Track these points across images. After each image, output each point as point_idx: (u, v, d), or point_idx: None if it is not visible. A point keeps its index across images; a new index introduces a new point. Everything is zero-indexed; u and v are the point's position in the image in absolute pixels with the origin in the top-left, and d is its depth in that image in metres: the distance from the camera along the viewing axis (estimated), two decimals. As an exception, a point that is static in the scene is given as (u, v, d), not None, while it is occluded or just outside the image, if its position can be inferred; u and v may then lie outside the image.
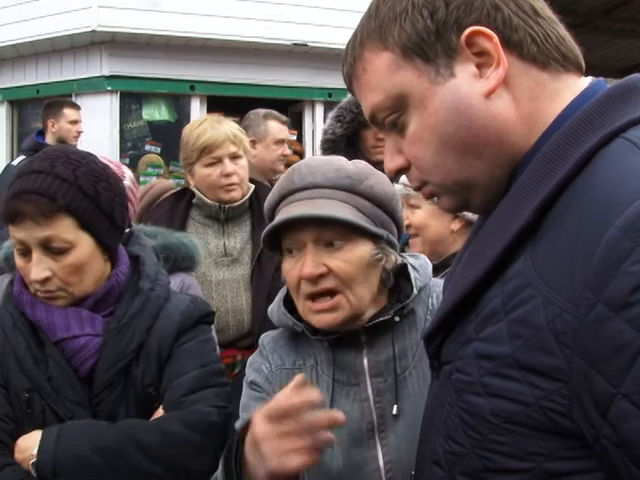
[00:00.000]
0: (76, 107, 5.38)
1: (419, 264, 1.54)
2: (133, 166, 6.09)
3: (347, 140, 3.19)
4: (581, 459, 0.80)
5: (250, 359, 1.58)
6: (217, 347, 1.80)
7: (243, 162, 2.75)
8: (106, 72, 6.36)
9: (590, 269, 0.75)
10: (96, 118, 6.15)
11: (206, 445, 1.57)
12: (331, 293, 1.40)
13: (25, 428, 1.55)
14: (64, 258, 1.57)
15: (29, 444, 1.52)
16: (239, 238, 2.75)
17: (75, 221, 1.56)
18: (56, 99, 5.57)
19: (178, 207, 2.81)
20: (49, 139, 5.20)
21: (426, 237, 2.18)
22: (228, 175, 2.69)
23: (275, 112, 4.10)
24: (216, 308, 2.64)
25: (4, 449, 1.53)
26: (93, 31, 6.10)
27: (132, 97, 6.53)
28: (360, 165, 1.47)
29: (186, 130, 2.85)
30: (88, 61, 6.47)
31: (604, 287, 0.74)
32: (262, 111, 4.04)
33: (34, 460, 1.50)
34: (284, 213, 1.41)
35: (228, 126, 2.74)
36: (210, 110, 6.55)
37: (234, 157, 2.72)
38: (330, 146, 3.17)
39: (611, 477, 0.78)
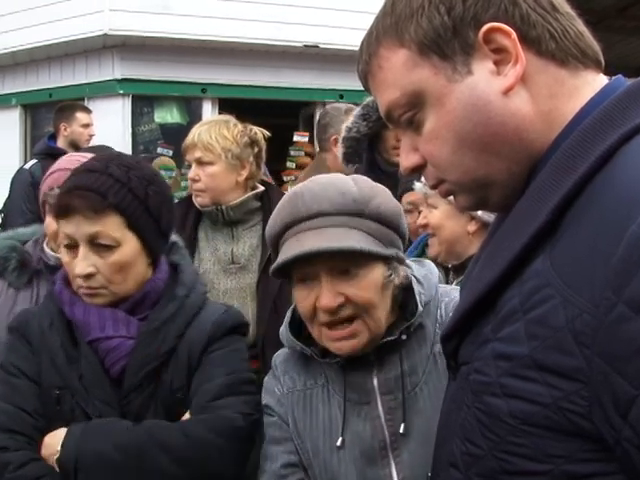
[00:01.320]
0: (87, 111, 5.39)
1: (423, 274, 1.51)
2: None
3: (370, 139, 3.15)
4: (601, 461, 0.79)
5: (265, 380, 1.60)
6: (247, 358, 1.80)
7: (212, 169, 2.65)
8: (118, 75, 6.38)
9: (611, 268, 0.74)
10: (108, 121, 6.17)
11: (230, 450, 1.57)
12: (349, 319, 1.39)
13: (54, 425, 1.58)
14: (109, 255, 1.61)
15: (54, 441, 1.54)
16: (248, 244, 2.68)
17: (124, 220, 1.61)
18: (68, 103, 5.59)
19: (190, 212, 2.77)
20: (61, 143, 5.22)
21: (442, 237, 2.18)
22: (192, 180, 2.67)
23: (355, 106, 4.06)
24: None
25: (32, 444, 1.56)
26: (105, 35, 6.12)
27: (144, 100, 6.55)
28: (363, 185, 1.44)
29: None
30: (100, 65, 6.49)
31: (625, 287, 0.73)
32: (343, 106, 3.85)
33: (57, 456, 1.51)
34: (293, 245, 1.38)
35: (204, 130, 2.67)
36: (222, 112, 6.55)
37: (201, 163, 2.65)
38: (353, 144, 3.13)
39: (631, 480, 0.77)
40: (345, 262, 1.37)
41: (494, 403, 0.85)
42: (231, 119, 2.81)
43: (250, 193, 2.71)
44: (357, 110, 3.22)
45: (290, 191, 1.47)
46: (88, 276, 1.60)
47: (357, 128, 3.13)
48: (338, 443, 1.42)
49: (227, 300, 2.63)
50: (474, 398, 0.89)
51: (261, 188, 2.76)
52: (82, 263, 1.60)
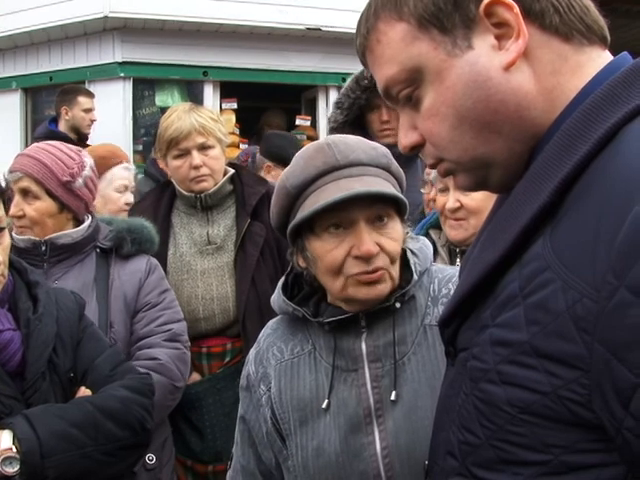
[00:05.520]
0: (90, 95, 5.35)
1: (418, 247, 1.53)
2: (147, 152, 6.07)
3: (352, 126, 3.03)
4: (601, 452, 0.77)
5: (249, 354, 1.59)
6: None
7: (214, 152, 2.69)
8: (119, 58, 6.32)
9: (613, 251, 0.71)
10: (109, 104, 6.13)
11: (151, 406, 1.73)
12: (377, 271, 1.41)
13: None
14: (5, 239, 1.65)
15: None
16: (223, 225, 2.74)
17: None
18: (71, 86, 5.55)
19: (162, 199, 2.81)
20: (62, 126, 5.18)
21: (480, 221, 2.08)
22: (196, 167, 2.65)
23: None
24: (201, 296, 2.66)
25: None
26: (105, 17, 6.06)
27: (145, 83, 6.50)
28: (382, 147, 1.51)
29: (161, 120, 2.81)
30: (101, 48, 6.44)
31: (627, 270, 0.70)
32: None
33: (10, 454, 1.47)
34: (333, 190, 1.36)
35: (197, 116, 2.67)
36: (224, 96, 6.51)
37: (202, 148, 2.67)
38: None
39: (632, 470, 0.75)
40: (381, 210, 1.40)
41: (492, 391, 0.83)
42: (192, 104, 2.83)
43: (224, 178, 2.75)
44: (335, 98, 3.15)
45: (315, 143, 1.47)
46: None
47: (334, 118, 3.05)
48: (324, 405, 1.42)
49: (205, 280, 2.69)
50: (472, 385, 0.87)
51: (231, 170, 2.80)
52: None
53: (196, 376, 2.63)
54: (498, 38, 0.87)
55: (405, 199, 1.44)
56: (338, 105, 3.06)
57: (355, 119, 3.06)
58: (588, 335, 0.73)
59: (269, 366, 1.51)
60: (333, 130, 3.04)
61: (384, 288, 1.41)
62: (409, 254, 1.49)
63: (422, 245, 1.54)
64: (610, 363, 0.72)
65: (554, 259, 0.78)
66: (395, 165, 1.47)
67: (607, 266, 0.72)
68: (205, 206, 2.73)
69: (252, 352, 1.57)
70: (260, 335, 1.59)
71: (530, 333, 0.78)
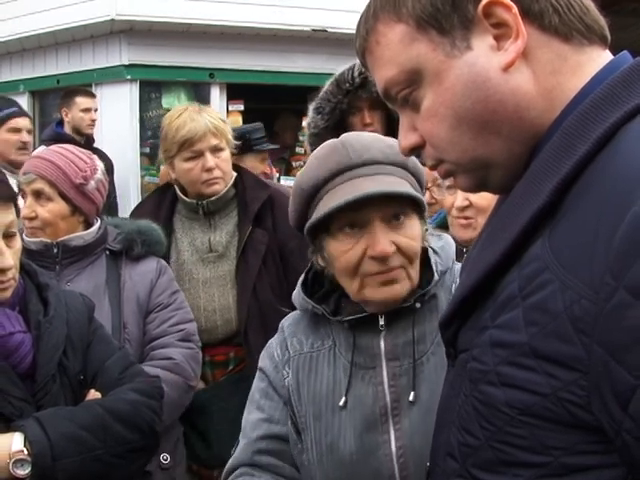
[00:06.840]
0: (89, 95, 5.33)
1: (440, 246, 1.51)
2: (153, 155, 6.08)
3: (334, 130, 2.88)
4: (601, 454, 0.76)
5: (269, 342, 1.59)
6: None
7: (225, 154, 2.64)
8: (125, 61, 6.33)
9: (611, 251, 0.71)
10: (116, 107, 6.15)
11: (159, 408, 1.73)
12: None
13: None
14: (15, 244, 1.65)
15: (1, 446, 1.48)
16: (225, 231, 2.68)
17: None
18: (71, 88, 5.56)
19: (163, 203, 2.75)
20: (66, 128, 5.20)
21: None
22: (209, 170, 2.59)
23: None
24: (203, 308, 2.62)
25: None
26: (112, 20, 6.07)
27: (152, 86, 6.51)
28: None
29: (165, 121, 2.69)
30: (107, 50, 6.45)
31: (625, 271, 0.69)
32: None
33: (21, 456, 1.48)
34: (348, 190, 1.36)
35: (209, 117, 2.62)
36: (230, 98, 6.52)
37: (215, 150, 2.61)
38: (315, 140, 2.91)
39: (631, 472, 0.74)
40: (397, 209, 1.38)
41: (491, 392, 0.83)
42: (199, 105, 2.77)
43: (230, 183, 2.69)
44: (312, 104, 3.02)
45: (329, 142, 1.46)
46: (7, 269, 1.61)
47: (314, 123, 2.95)
48: (341, 403, 1.41)
49: (207, 290, 2.63)
50: (471, 387, 0.87)
51: (234, 174, 2.74)
52: (4, 255, 1.60)
53: (200, 384, 2.60)
54: (497, 39, 0.86)
55: (421, 197, 1.42)
56: (318, 110, 2.94)
57: (336, 123, 3.02)
58: (586, 337, 0.73)
59: (290, 353, 1.51)
60: (314, 136, 2.94)
61: (400, 288, 1.40)
62: (431, 253, 1.48)
63: (444, 243, 1.53)
64: (609, 365, 0.71)
65: (552, 260, 0.77)
66: (413, 162, 1.43)
67: (605, 267, 0.71)
68: (207, 212, 2.67)
69: (275, 340, 1.57)
70: (282, 322, 1.59)
71: (529, 334, 0.78)
